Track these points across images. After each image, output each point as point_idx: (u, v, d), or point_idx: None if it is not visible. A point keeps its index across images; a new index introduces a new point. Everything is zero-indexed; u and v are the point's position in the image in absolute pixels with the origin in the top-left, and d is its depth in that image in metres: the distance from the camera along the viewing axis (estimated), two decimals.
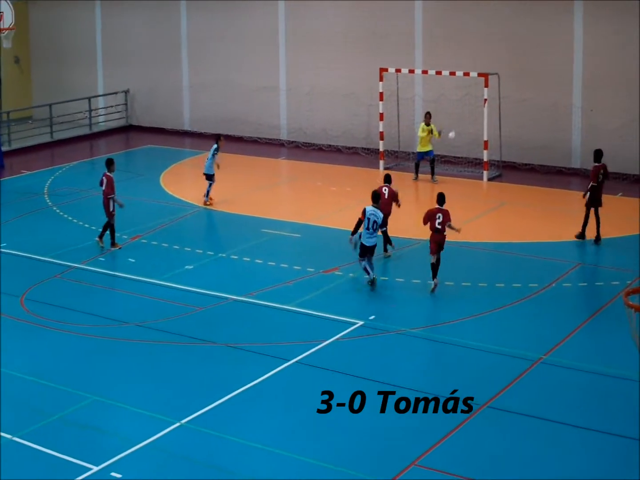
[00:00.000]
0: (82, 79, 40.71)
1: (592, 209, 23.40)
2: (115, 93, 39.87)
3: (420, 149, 29.96)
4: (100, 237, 23.75)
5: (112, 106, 39.97)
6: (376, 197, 20.79)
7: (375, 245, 20.69)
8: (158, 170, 31.62)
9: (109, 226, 23.61)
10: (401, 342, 17.75)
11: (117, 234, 23.83)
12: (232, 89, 37.10)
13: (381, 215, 20.66)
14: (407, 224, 24.22)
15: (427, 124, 29.60)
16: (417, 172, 30.14)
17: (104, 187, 23.50)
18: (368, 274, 20.65)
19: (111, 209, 23.49)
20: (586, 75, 30.15)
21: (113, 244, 23.59)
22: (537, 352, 17.15)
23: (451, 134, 29.35)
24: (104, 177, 23.58)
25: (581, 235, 23.53)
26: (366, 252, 20.63)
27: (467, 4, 31.80)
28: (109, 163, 23.75)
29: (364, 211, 20.52)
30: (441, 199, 20.49)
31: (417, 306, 19.65)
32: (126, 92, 39.82)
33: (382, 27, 33.42)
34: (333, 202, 27.33)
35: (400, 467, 13.47)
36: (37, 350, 17.73)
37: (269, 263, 22.33)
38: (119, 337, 18.19)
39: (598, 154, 23.77)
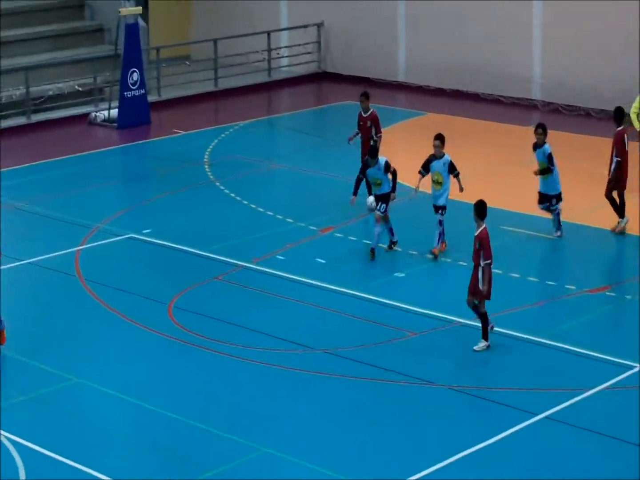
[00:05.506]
0: (260, 7, 41.30)
1: None
2: (305, 27, 40.24)
3: None
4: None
5: (299, 45, 40.41)
6: None
7: None
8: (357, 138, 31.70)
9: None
10: None
11: (301, 224, 24.24)
12: (466, 25, 36.80)
13: None
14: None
15: None
16: None
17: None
18: None
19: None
20: None
21: None
22: None
23: None
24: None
25: None
26: None
27: None
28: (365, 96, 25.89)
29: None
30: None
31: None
32: (319, 25, 40.18)
33: None
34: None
35: None
36: (187, 379, 17.98)
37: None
38: (296, 367, 18.27)
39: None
